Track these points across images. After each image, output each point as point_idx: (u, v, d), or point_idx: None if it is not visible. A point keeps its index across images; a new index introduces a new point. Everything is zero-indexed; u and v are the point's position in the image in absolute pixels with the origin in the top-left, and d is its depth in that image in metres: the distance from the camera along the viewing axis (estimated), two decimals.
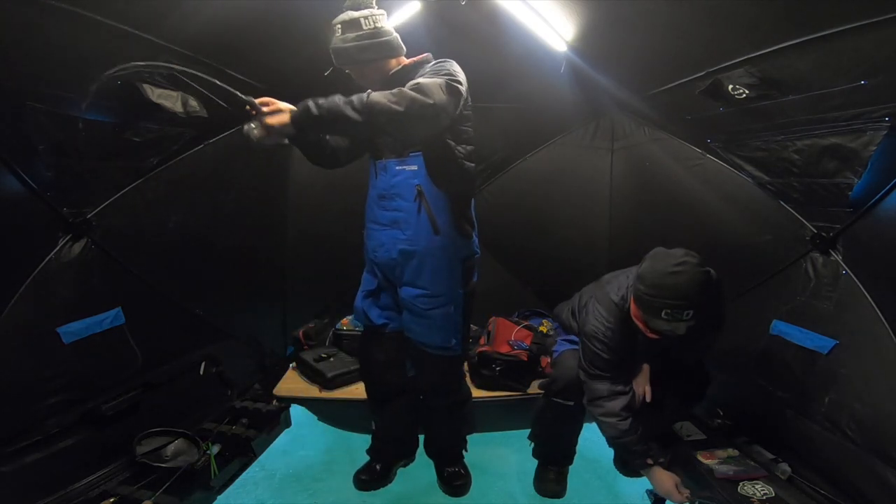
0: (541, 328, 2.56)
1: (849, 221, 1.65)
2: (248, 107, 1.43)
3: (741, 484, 1.77)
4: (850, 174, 1.53)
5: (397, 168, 1.68)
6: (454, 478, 2.04)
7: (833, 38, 1.26)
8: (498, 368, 2.34)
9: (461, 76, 1.57)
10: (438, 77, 1.49)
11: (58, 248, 1.66)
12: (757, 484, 1.77)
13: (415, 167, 1.65)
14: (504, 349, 2.40)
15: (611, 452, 2.19)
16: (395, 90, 1.41)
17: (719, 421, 2.17)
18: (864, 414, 1.62)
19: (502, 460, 2.28)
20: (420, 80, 1.47)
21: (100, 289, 1.81)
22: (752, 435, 2.04)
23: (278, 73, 2.25)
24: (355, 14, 1.58)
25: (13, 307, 1.53)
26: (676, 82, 1.90)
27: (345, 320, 2.65)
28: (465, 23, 2.06)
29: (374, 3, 1.62)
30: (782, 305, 1.98)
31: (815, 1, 1.24)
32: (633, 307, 1.66)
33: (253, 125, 1.45)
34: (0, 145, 1.37)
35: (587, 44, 2.03)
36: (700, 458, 1.93)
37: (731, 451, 1.97)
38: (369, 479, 2.06)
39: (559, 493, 2.00)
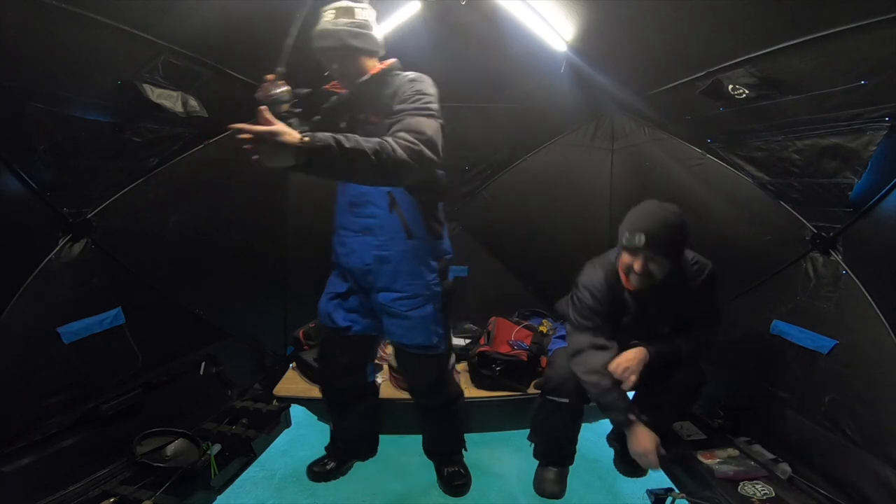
0: (541, 328, 2.56)
1: (849, 221, 1.66)
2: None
3: (741, 484, 1.77)
4: (850, 174, 1.53)
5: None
6: (454, 477, 2.04)
7: (833, 38, 1.26)
8: (498, 368, 2.34)
9: (436, 104, 1.59)
10: (432, 119, 1.51)
11: (58, 248, 1.66)
12: (757, 484, 1.77)
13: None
14: (504, 349, 2.40)
15: (611, 452, 2.20)
16: (411, 143, 1.37)
17: (720, 421, 2.17)
18: (864, 414, 1.62)
19: (502, 460, 2.28)
20: (420, 125, 1.44)
21: (100, 289, 1.81)
22: (752, 435, 2.04)
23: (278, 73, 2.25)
24: (351, 3, 1.59)
25: (13, 307, 1.53)
26: (676, 82, 1.90)
27: None
28: (465, 23, 2.06)
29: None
30: (782, 305, 1.98)
31: (815, 1, 1.24)
32: (620, 258, 1.76)
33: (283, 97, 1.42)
34: (0, 145, 1.37)
35: (587, 44, 2.03)
36: (700, 457, 1.93)
37: (732, 451, 1.97)
38: (321, 471, 2.09)
39: (558, 493, 1.99)
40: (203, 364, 2.24)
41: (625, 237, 1.67)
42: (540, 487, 2.01)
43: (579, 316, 1.85)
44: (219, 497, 1.85)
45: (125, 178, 1.84)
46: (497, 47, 2.17)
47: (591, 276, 1.86)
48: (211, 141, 2.12)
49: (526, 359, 2.35)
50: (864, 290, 1.65)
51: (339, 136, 1.26)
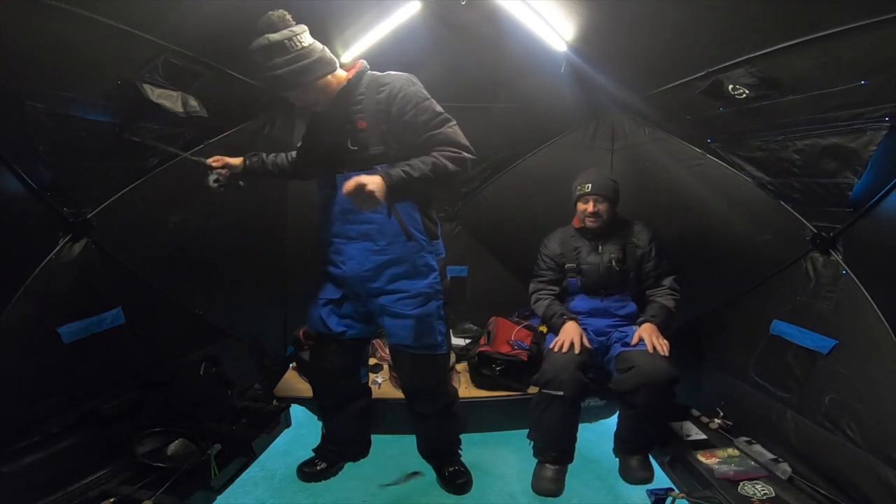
0: (541, 328, 2.56)
1: (849, 221, 1.65)
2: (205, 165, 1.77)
3: (741, 484, 1.77)
4: (850, 174, 1.53)
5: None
6: (456, 476, 2.04)
7: (833, 38, 1.26)
8: (498, 368, 2.35)
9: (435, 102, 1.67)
10: (451, 124, 1.63)
11: (58, 248, 1.66)
12: (757, 484, 1.77)
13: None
14: (504, 349, 2.40)
15: (611, 452, 2.19)
16: (455, 154, 1.57)
17: (719, 421, 2.17)
18: (864, 414, 1.62)
19: (502, 460, 2.28)
20: (453, 136, 1.60)
21: (100, 289, 1.81)
22: (752, 435, 2.04)
23: None
24: (276, 37, 1.50)
25: (13, 307, 1.53)
26: (676, 82, 1.90)
27: None
28: (465, 23, 2.06)
29: (290, 19, 1.53)
30: (782, 305, 1.98)
31: (815, 1, 1.24)
32: (576, 218, 2.40)
33: (213, 177, 1.80)
34: (0, 145, 1.37)
35: (587, 44, 2.03)
36: (700, 457, 1.93)
37: (732, 451, 1.97)
38: (311, 472, 2.09)
39: (555, 491, 1.99)
40: (203, 364, 2.24)
41: (577, 189, 2.29)
42: (537, 485, 2.01)
43: (538, 268, 2.46)
44: (219, 497, 1.85)
45: (125, 178, 1.84)
46: (497, 47, 2.17)
47: (552, 234, 2.47)
48: (211, 141, 2.12)
49: (526, 359, 2.36)
50: (864, 290, 1.65)
51: (406, 168, 1.51)
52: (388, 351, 2.50)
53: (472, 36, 2.15)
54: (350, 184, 1.39)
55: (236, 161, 1.89)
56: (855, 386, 1.66)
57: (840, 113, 1.45)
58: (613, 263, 2.27)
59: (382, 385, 2.40)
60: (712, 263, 2.34)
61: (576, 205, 2.31)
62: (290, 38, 1.52)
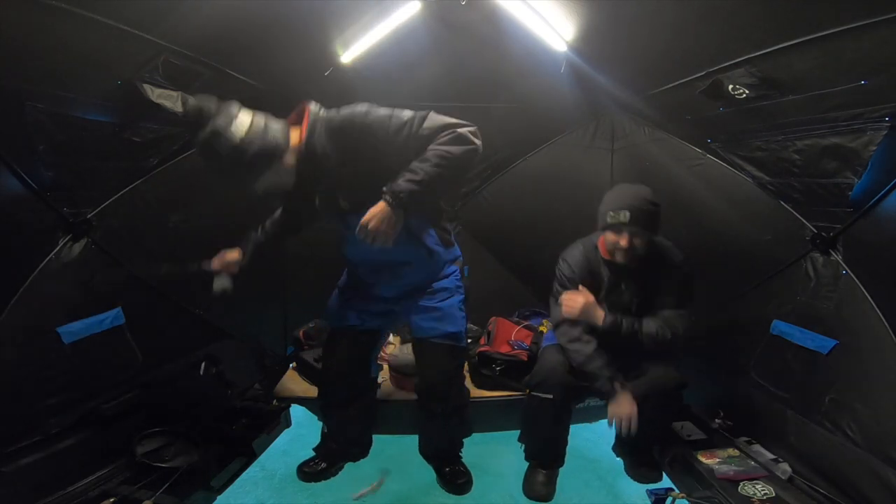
0: (541, 328, 2.57)
1: (849, 221, 1.65)
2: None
3: (741, 484, 1.77)
4: (850, 174, 1.53)
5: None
6: (456, 476, 2.04)
7: (833, 38, 1.26)
8: (498, 368, 2.35)
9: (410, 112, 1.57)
10: (429, 120, 1.51)
11: (58, 248, 1.66)
12: (757, 484, 1.77)
13: None
14: (504, 349, 2.40)
15: (611, 452, 2.19)
16: (449, 135, 1.47)
17: (720, 421, 2.17)
18: (864, 414, 1.62)
19: (502, 460, 2.28)
20: (435, 122, 1.50)
21: (100, 289, 1.81)
22: (752, 435, 2.04)
23: (278, 73, 2.25)
24: (206, 132, 1.39)
25: (13, 307, 1.54)
26: (676, 82, 1.90)
27: None
28: (465, 23, 2.06)
29: (213, 103, 1.43)
30: (782, 305, 1.98)
31: (815, 1, 1.24)
32: (601, 239, 1.95)
33: (219, 282, 1.75)
34: (0, 145, 1.37)
35: (587, 44, 2.03)
36: (700, 457, 1.93)
37: (732, 451, 1.97)
38: (311, 472, 2.08)
39: (545, 496, 1.97)
40: (203, 364, 2.24)
41: (608, 216, 1.82)
42: (529, 489, 1.99)
43: (560, 286, 2.01)
44: (219, 497, 1.85)
45: (125, 178, 1.84)
46: (497, 47, 2.17)
47: (572, 251, 2.06)
48: None
49: (526, 359, 2.36)
50: (864, 290, 1.64)
51: (410, 176, 1.43)
52: (388, 351, 2.50)
53: (472, 36, 2.15)
54: (360, 229, 1.44)
55: (233, 254, 1.82)
56: (855, 386, 1.66)
57: (840, 113, 1.45)
58: (633, 308, 1.94)
59: (383, 385, 2.39)
60: (712, 263, 2.34)
61: (604, 230, 1.88)
62: (229, 123, 1.41)
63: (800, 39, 1.33)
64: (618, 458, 2.15)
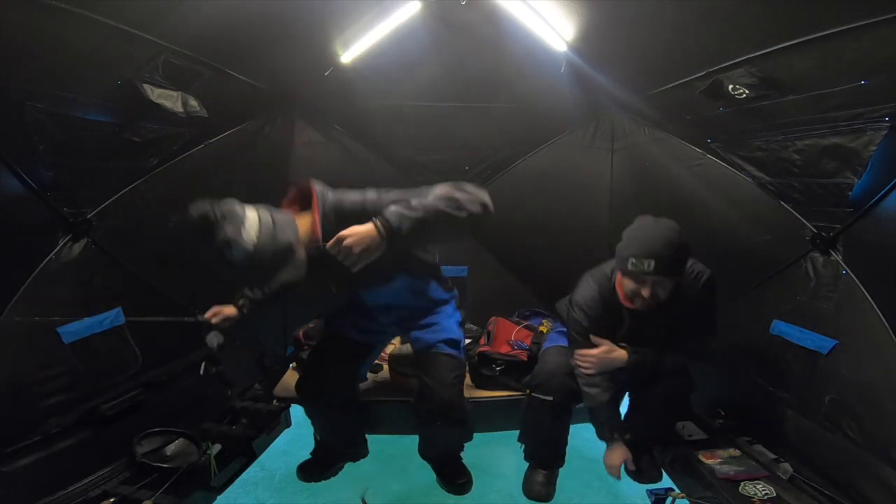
0: (541, 328, 2.56)
1: (849, 221, 1.65)
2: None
3: (742, 484, 1.77)
4: (850, 174, 1.53)
5: (386, 289, 1.78)
6: (456, 476, 2.04)
7: (833, 38, 1.26)
8: (498, 368, 2.34)
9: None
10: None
11: (58, 248, 1.66)
12: (758, 484, 1.77)
13: (400, 283, 1.77)
14: (504, 349, 2.39)
15: None
16: (458, 192, 1.44)
17: (721, 421, 2.17)
18: (864, 414, 1.62)
19: (502, 460, 2.28)
20: (465, 187, 1.48)
21: (100, 289, 1.81)
22: (753, 435, 2.04)
23: (278, 73, 2.25)
24: (216, 242, 1.39)
25: (13, 307, 1.54)
26: (676, 82, 1.90)
27: None
28: (465, 23, 2.06)
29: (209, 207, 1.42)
30: (782, 305, 1.98)
31: (815, 1, 1.24)
32: (618, 276, 1.73)
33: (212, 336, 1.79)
34: (0, 145, 1.37)
35: (587, 44, 2.03)
36: (701, 457, 1.93)
37: (733, 451, 1.97)
38: (311, 472, 2.08)
39: (546, 496, 1.96)
40: (203, 364, 2.24)
41: (630, 263, 1.59)
42: (528, 490, 1.99)
43: (576, 333, 1.87)
44: (219, 497, 1.85)
45: (125, 178, 1.84)
46: (497, 47, 2.17)
47: (586, 292, 1.85)
48: (211, 141, 2.12)
49: (526, 359, 2.35)
50: (864, 290, 1.64)
51: (405, 206, 1.38)
52: (387, 350, 2.50)
53: (472, 36, 2.15)
54: (332, 243, 1.35)
55: (230, 310, 1.84)
56: (855, 386, 1.66)
57: (840, 113, 1.45)
58: (657, 339, 1.82)
59: (383, 383, 2.39)
60: (712, 264, 2.33)
61: (624, 274, 1.68)
62: (236, 235, 1.40)
63: (800, 39, 1.33)
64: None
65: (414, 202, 1.40)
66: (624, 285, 1.68)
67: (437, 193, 1.44)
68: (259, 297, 1.91)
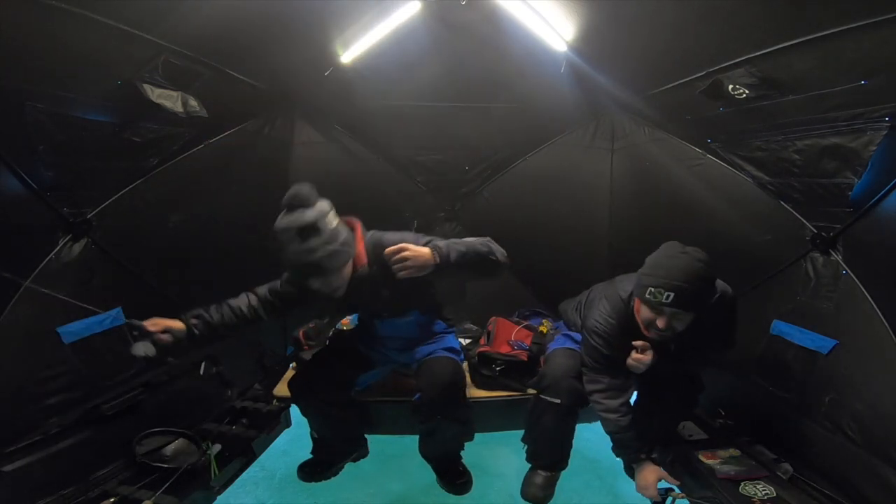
0: (541, 328, 2.56)
1: (849, 221, 1.65)
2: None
3: (742, 484, 1.77)
4: (850, 174, 1.53)
5: (398, 322, 1.95)
6: (456, 476, 2.04)
7: (833, 38, 1.26)
8: (498, 368, 2.34)
9: None
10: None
11: (58, 247, 1.66)
12: (758, 484, 1.77)
13: (412, 318, 1.96)
14: (504, 349, 2.39)
15: (611, 452, 2.19)
16: (489, 242, 1.71)
17: (721, 421, 2.17)
18: (864, 414, 1.62)
19: (502, 460, 2.28)
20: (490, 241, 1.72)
21: (100, 289, 1.81)
22: (753, 435, 2.04)
23: (278, 73, 2.25)
24: (310, 215, 1.52)
25: (13, 307, 1.53)
26: (676, 82, 1.90)
27: (345, 320, 2.64)
28: (465, 23, 2.06)
29: (314, 192, 1.56)
30: (782, 305, 1.98)
31: (815, 1, 1.24)
32: (636, 301, 1.67)
33: (142, 346, 1.64)
34: (0, 145, 1.37)
35: (587, 44, 2.03)
36: (702, 457, 1.93)
37: (733, 451, 1.97)
38: (311, 472, 2.08)
39: (543, 499, 1.96)
40: (203, 364, 2.24)
41: (648, 292, 1.54)
42: (526, 491, 1.98)
43: (593, 360, 1.83)
44: (219, 497, 1.85)
45: (125, 178, 1.84)
46: (497, 47, 2.17)
47: (602, 321, 1.79)
48: (211, 141, 2.12)
49: (526, 359, 2.35)
50: (864, 290, 1.64)
51: (456, 245, 1.60)
52: None
53: (472, 36, 2.15)
54: (392, 249, 1.52)
55: (178, 325, 1.71)
56: (855, 386, 1.66)
57: (840, 113, 1.45)
58: (676, 352, 1.76)
59: (383, 384, 2.39)
60: (712, 263, 2.34)
61: (642, 301, 1.61)
62: (321, 218, 1.54)
63: (800, 39, 1.33)
64: (618, 458, 2.14)
65: (462, 242, 1.63)
66: (641, 311, 1.64)
67: (471, 240, 1.67)
68: (221, 317, 1.81)
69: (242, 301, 1.85)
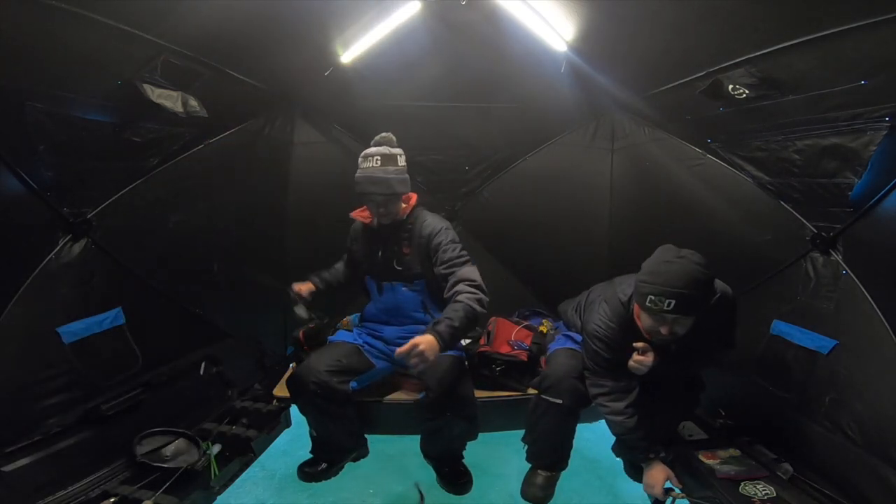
0: (541, 328, 2.56)
1: (849, 221, 1.65)
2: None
3: (742, 484, 1.77)
4: (850, 174, 1.53)
5: (404, 290, 2.09)
6: (456, 476, 2.04)
7: (833, 38, 1.27)
8: (498, 368, 2.34)
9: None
10: (471, 264, 1.96)
11: (58, 248, 1.66)
12: (758, 484, 1.77)
13: (418, 289, 2.08)
14: (504, 349, 2.39)
15: (611, 452, 2.19)
16: (474, 293, 1.83)
17: (721, 421, 2.17)
18: (864, 414, 1.62)
19: (502, 460, 2.28)
20: (472, 275, 1.90)
21: (100, 289, 1.81)
22: (753, 435, 2.04)
23: (277, 73, 2.25)
24: (393, 150, 1.94)
25: (13, 307, 1.53)
26: (676, 82, 1.90)
27: (345, 320, 2.64)
28: (465, 23, 2.07)
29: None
30: (782, 305, 1.98)
31: (815, 1, 1.24)
32: (636, 307, 1.66)
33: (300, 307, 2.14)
34: (0, 145, 1.37)
35: (587, 44, 2.03)
36: (702, 457, 1.93)
37: (733, 451, 1.97)
38: (312, 472, 2.08)
39: (543, 499, 1.96)
40: (203, 364, 2.24)
41: (648, 300, 1.52)
42: (526, 491, 1.98)
43: (596, 365, 1.82)
44: (219, 497, 1.85)
45: (125, 178, 1.84)
46: (497, 47, 2.17)
47: (602, 325, 1.78)
48: (211, 141, 2.12)
49: (526, 359, 2.35)
50: (864, 290, 1.64)
51: (450, 322, 1.72)
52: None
53: (472, 36, 2.15)
54: (405, 348, 1.63)
55: (308, 285, 2.21)
56: (855, 386, 1.66)
57: (840, 113, 1.45)
58: (678, 355, 1.73)
59: (383, 384, 2.39)
60: (712, 263, 2.33)
61: (642, 308, 1.59)
62: (400, 156, 1.97)
63: (800, 39, 1.34)
64: (618, 458, 2.14)
65: (454, 318, 1.74)
66: (642, 319, 1.63)
67: (461, 304, 1.78)
68: (329, 277, 2.27)
69: (339, 265, 2.33)
